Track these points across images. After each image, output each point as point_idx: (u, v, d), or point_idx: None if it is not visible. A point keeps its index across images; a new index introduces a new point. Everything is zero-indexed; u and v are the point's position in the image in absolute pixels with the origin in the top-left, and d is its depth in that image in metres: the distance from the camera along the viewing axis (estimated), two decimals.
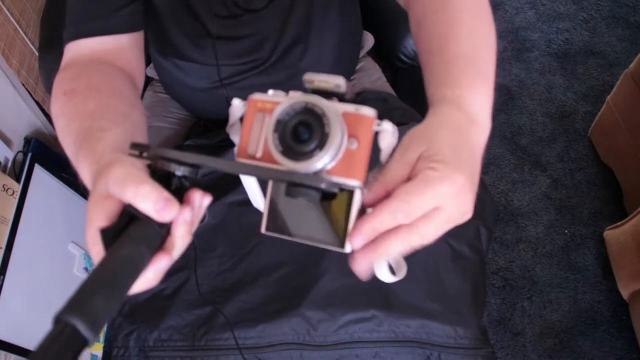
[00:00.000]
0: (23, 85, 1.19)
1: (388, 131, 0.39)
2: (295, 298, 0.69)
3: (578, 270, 1.43)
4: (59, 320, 0.28)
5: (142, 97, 0.95)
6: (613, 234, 1.38)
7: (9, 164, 1.14)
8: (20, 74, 1.16)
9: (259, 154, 0.39)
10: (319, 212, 0.40)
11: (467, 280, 0.73)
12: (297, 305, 0.69)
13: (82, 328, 0.28)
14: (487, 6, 0.53)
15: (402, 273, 0.46)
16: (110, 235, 0.35)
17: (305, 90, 0.40)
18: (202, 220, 0.41)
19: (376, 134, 0.39)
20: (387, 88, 0.99)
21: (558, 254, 1.46)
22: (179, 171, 0.38)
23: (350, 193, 0.39)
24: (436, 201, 0.37)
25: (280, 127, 0.37)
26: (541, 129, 1.68)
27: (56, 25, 1.08)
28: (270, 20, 0.75)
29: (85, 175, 0.45)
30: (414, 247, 0.39)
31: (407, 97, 0.96)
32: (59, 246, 1.25)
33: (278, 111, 0.37)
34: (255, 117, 0.40)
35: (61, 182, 1.28)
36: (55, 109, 0.55)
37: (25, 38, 1.20)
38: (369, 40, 1.01)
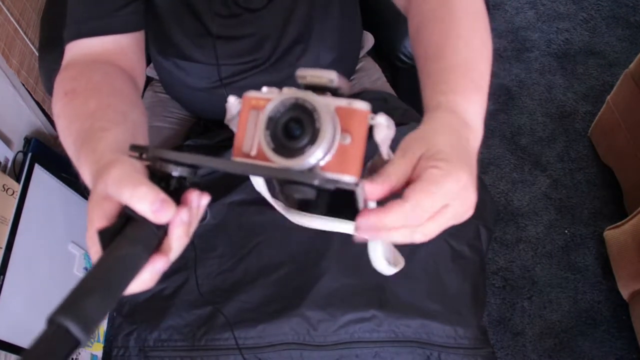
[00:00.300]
0: (23, 85, 1.19)
1: (382, 124, 0.39)
2: (295, 298, 0.69)
3: (578, 270, 1.43)
4: (51, 321, 0.29)
5: (142, 97, 0.95)
6: (613, 234, 1.38)
7: (9, 164, 1.14)
8: (20, 74, 1.16)
9: (253, 152, 0.39)
10: None
11: (467, 280, 0.73)
12: (297, 305, 0.69)
13: (74, 329, 0.29)
14: (485, 18, 0.54)
15: (400, 265, 0.46)
16: (108, 236, 0.35)
17: (299, 87, 0.40)
18: (203, 220, 0.41)
19: (371, 128, 0.39)
20: (387, 88, 0.99)
21: (558, 254, 1.46)
22: (176, 172, 0.38)
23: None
24: (444, 200, 0.38)
25: (272, 124, 0.37)
26: (541, 129, 1.68)
27: (56, 25, 1.08)
28: (270, 19, 0.75)
29: (86, 175, 0.46)
30: (415, 242, 0.39)
31: (407, 97, 0.96)
32: (59, 246, 1.25)
33: (269, 108, 0.37)
34: (249, 115, 0.39)
35: (61, 182, 1.28)
36: (56, 110, 0.55)
37: (25, 38, 1.20)
38: (369, 40, 1.01)
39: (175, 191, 0.38)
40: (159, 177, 0.38)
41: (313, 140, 0.36)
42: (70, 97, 0.54)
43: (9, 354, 1.01)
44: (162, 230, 0.37)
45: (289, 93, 0.37)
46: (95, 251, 0.37)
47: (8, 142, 1.16)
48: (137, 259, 0.34)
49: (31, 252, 1.12)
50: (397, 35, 1.03)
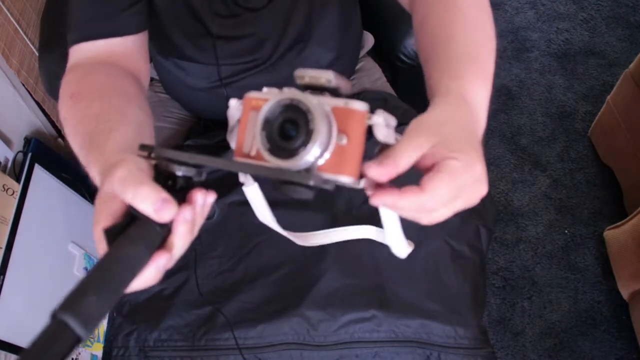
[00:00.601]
0: (23, 85, 1.19)
1: (380, 124, 0.38)
2: (295, 298, 0.69)
3: (578, 270, 1.43)
4: (53, 316, 0.30)
5: None
6: (613, 234, 1.38)
7: (9, 164, 1.14)
8: (20, 74, 1.16)
9: (252, 152, 0.39)
10: None
11: (467, 280, 0.73)
12: (297, 305, 0.69)
13: (74, 326, 0.29)
14: (488, 10, 0.54)
15: (408, 250, 0.46)
16: (113, 235, 0.36)
17: (298, 87, 0.40)
18: (212, 217, 0.42)
19: (370, 128, 0.39)
20: (387, 88, 0.99)
21: (558, 254, 1.46)
22: (180, 171, 0.38)
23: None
24: (460, 191, 0.39)
25: (268, 125, 0.37)
26: (541, 129, 1.68)
27: (56, 25, 1.08)
28: (270, 19, 0.75)
29: (94, 175, 0.47)
30: (419, 222, 0.41)
31: (407, 97, 0.96)
32: (59, 246, 1.25)
33: (265, 109, 0.37)
34: (249, 115, 0.40)
35: (61, 182, 1.28)
36: (62, 113, 0.56)
37: (25, 38, 1.20)
38: (369, 40, 1.01)
39: (182, 190, 0.39)
40: (165, 176, 0.39)
41: (307, 141, 0.36)
42: (75, 100, 0.55)
43: (9, 354, 1.01)
44: (165, 229, 0.37)
45: (286, 94, 0.37)
46: (102, 248, 0.37)
47: (8, 142, 1.16)
48: (138, 257, 0.35)
49: (31, 252, 1.12)
50: (397, 35, 1.03)
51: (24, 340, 1.04)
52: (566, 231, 1.49)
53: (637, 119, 1.38)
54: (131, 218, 0.37)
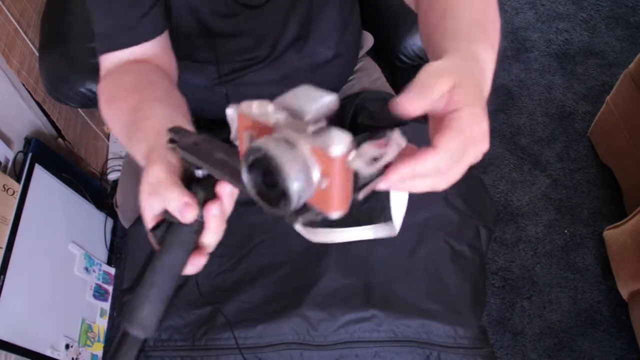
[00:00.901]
0: (23, 85, 1.19)
1: (362, 167, 0.35)
2: (295, 298, 0.69)
3: (578, 270, 1.43)
4: (120, 328, 0.38)
5: None
6: (612, 234, 1.38)
7: (9, 164, 1.14)
8: (20, 74, 1.17)
9: None
10: None
11: (467, 280, 0.73)
12: (297, 305, 0.69)
13: (134, 333, 0.38)
14: None
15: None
16: (158, 234, 0.41)
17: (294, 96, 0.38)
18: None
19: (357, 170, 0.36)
20: (387, 88, 0.99)
21: (558, 254, 1.46)
22: (199, 172, 0.41)
23: None
24: (468, 145, 0.38)
25: (252, 171, 0.36)
26: (541, 129, 1.68)
27: (56, 25, 1.08)
28: (270, 17, 0.75)
29: (140, 162, 0.50)
30: (437, 190, 0.40)
31: None
32: (59, 246, 1.25)
33: (246, 156, 0.36)
34: (244, 136, 0.39)
35: (61, 182, 1.28)
36: (104, 115, 0.62)
37: (26, 38, 1.20)
38: (368, 40, 1.01)
39: (209, 176, 0.42)
40: (195, 167, 0.42)
41: (283, 195, 0.34)
42: (112, 102, 0.60)
43: (9, 354, 1.01)
44: (199, 225, 0.41)
45: (259, 143, 0.35)
46: (152, 240, 0.43)
47: (8, 142, 1.16)
48: (177, 262, 0.40)
49: (31, 252, 1.12)
50: (397, 35, 1.03)
51: (24, 340, 1.05)
52: (566, 231, 1.50)
53: (637, 119, 1.38)
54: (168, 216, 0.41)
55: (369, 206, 0.61)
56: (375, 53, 1.04)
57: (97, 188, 1.47)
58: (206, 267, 0.73)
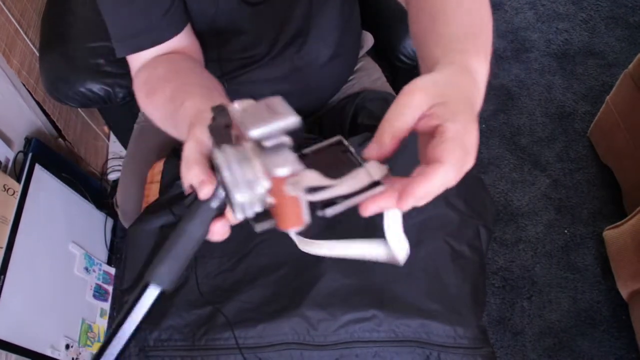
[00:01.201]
0: (24, 85, 1.19)
1: (300, 185, 0.36)
2: (295, 298, 0.69)
3: (577, 270, 1.43)
4: (141, 279, 0.42)
5: None
6: (612, 234, 1.38)
7: (10, 164, 1.14)
8: (20, 74, 1.17)
9: None
10: None
11: (467, 280, 0.73)
12: (297, 305, 0.69)
13: (153, 284, 0.42)
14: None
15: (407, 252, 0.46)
16: (187, 201, 0.44)
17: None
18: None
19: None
20: (387, 88, 0.99)
21: (558, 254, 1.46)
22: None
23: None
24: (468, 154, 0.39)
25: (217, 174, 0.40)
26: (541, 129, 1.68)
27: (56, 25, 1.08)
28: (269, 15, 0.76)
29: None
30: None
31: None
32: (60, 246, 1.26)
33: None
34: (232, 134, 0.42)
35: (61, 182, 1.28)
36: (145, 109, 0.65)
37: (26, 38, 1.20)
38: (368, 40, 1.01)
39: None
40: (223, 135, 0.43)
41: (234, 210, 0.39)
42: (150, 97, 0.63)
43: (9, 354, 1.01)
44: (219, 201, 0.43)
45: (216, 151, 0.38)
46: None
47: (8, 142, 1.16)
48: (195, 229, 0.43)
49: (32, 252, 1.12)
50: (397, 35, 1.03)
51: (24, 340, 1.05)
52: (566, 231, 1.50)
53: (636, 119, 1.38)
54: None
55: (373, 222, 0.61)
56: (375, 53, 1.04)
57: (97, 188, 1.48)
58: (206, 267, 0.74)
